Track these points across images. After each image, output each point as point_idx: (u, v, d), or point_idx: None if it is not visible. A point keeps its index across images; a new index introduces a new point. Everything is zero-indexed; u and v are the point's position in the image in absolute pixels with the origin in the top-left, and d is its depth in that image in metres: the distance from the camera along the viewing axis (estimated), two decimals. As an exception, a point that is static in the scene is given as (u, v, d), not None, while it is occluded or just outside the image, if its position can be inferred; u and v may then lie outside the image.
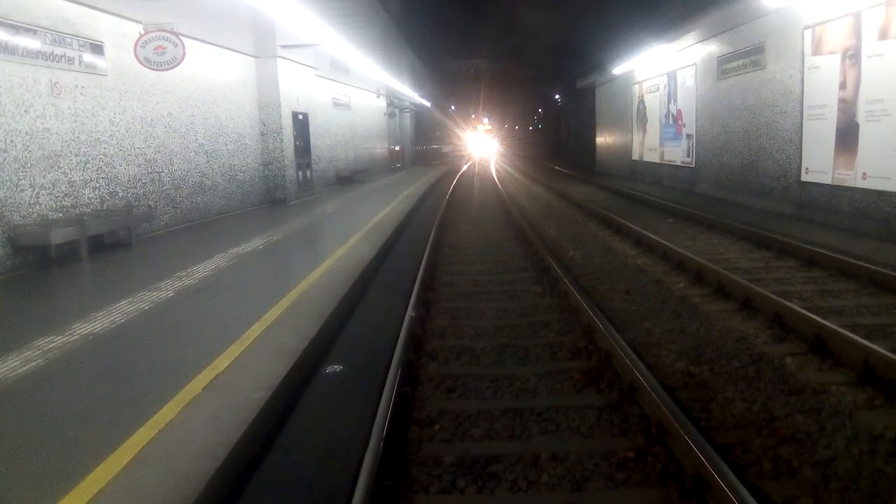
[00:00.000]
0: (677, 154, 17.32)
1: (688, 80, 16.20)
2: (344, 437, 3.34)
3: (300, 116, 15.51)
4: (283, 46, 14.02)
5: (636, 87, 21.17)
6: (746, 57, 12.64)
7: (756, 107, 12.31)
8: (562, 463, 3.12)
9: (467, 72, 54.43)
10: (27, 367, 4.03)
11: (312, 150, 16.44)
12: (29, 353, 4.28)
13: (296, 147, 15.11)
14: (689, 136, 16.32)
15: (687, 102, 16.36)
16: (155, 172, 10.18)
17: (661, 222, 11.48)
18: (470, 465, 3.12)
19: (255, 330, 4.68)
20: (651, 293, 6.49)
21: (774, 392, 3.91)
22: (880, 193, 8.70)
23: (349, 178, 19.81)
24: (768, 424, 3.47)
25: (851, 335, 4.38)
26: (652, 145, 19.78)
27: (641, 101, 20.74)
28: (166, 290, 6.08)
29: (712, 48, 14.46)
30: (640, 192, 16.11)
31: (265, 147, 14.29)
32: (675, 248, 8.07)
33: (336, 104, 19.85)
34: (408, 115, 35.16)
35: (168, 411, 3.26)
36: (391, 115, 29.63)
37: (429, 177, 24.90)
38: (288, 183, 14.57)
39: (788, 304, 5.30)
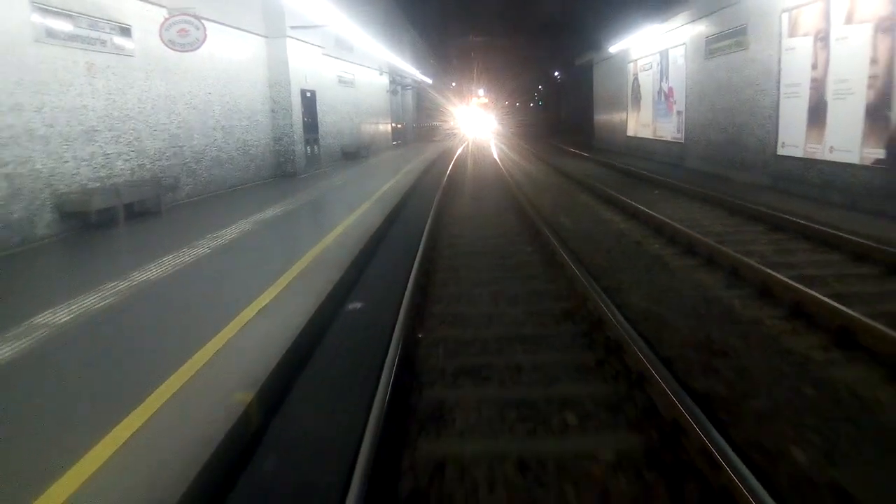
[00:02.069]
0: (668, 130, 18.07)
1: (678, 59, 16.90)
2: (365, 355, 4.19)
3: (308, 94, 16.23)
4: (293, 27, 14.69)
5: (631, 65, 21.82)
6: (731, 38, 13.36)
7: (739, 85, 13.07)
8: (539, 370, 4.00)
9: (468, 49, 54.72)
10: (105, 301, 4.91)
11: (319, 126, 17.20)
12: (103, 292, 5.16)
13: (304, 123, 15.86)
14: (679, 112, 17.07)
15: (678, 81, 17.07)
16: (177, 146, 10.98)
17: (649, 194, 12.30)
18: (467, 372, 4.00)
19: (287, 277, 5.55)
20: (629, 252, 7.37)
21: (718, 324, 4.79)
22: (844, 165, 9.52)
23: (354, 154, 20.58)
24: (705, 345, 4.35)
25: (792, 282, 5.25)
26: (645, 122, 20.51)
27: (636, 79, 21.41)
28: (203, 247, 6.95)
29: (701, 28, 15.15)
30: (632, 167, 16.89)
31: (275, 123, 15.06)
32: (657, 216, 8.91)
33: (341, 82, 20.53)
34: (409, 92, 35.72)
35: (227, 332, 4.14)
36: (393, 93, 30.24)
37: (430, 152, 25.65)
38: (297, 157, 15.36)
39: (746, 259, 6.17)
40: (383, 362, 3.75)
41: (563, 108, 44.59)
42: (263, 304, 4.73)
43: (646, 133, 20.56)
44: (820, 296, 4.83)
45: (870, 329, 4.13)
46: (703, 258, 6.82)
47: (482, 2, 43.43)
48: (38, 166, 7.70)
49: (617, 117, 24.52)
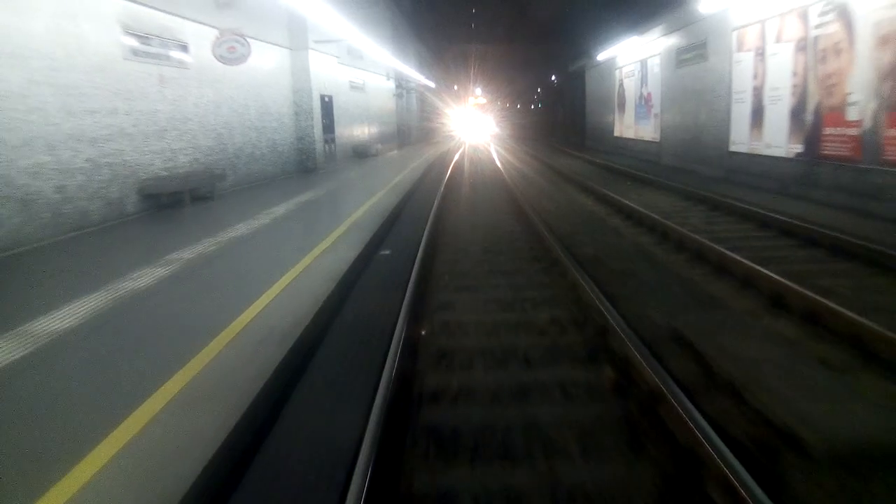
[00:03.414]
0: (647, 131, 20.15)
1: (655, 68, 18.97)
2: (399, 276, 6.24)
3: (326, 98, 18.32)
4: (316, 41, 16.78)
5: (617, 71, 23.90)
6: (695, 50, 15.44)
7: (701, 91, 15.14)
8: (511, 286, 6.05)
9: (469, 55, 56.84)
10: (210, 249, 6.98)
11: (335, 127, 19.28)
12: (205, 244, 7.23)
13: (322, 125, 17.94)
14: (656, 115, 19.14)
15: (655, 87, 19.15)
16: (223, 144, 13.06)
17: (622, 185, 14.36)
18: (463, 288, 6.06)
19: (334, 235, 7.62)
20: (594, 225, 9.44)
21: (641, 263, 6.86)
22: (776, 158, 11.59)
23: (364, 152, 22.66)
24: (628, 271, 6.41)
25: (701, 238, 7.31)
26: (629, 124, 22.59)
27: (621, 85, 23.49)
28: (264, 219, 9.03)
29: (672, 41, 17.23)
30: (614, 164, 18.95)
31: (298, 125, 17.14)
32: (622, 200, 10.96)
33: (353, 87, 22.61)
34: (413, 95, 37.79)
35: (301, 265, 6.21)
36: (399, 96, 32.32)
37: (433, 151, 27.75)
38: (317, 154, 17.44)
39: (676, 226, 8.22)
40: (409, 280, 5.81)
41: (560, 111, 46.63)
42: (324, 248, 6.81)
43: (629, 134, 22.64)
44: (707, 241, 6.93)
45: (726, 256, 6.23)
46: (648, 227, 8.90)
47: (482, 9, 45.59)
48: (128, 158, 9.78)
49: (606, 119, 26.59)
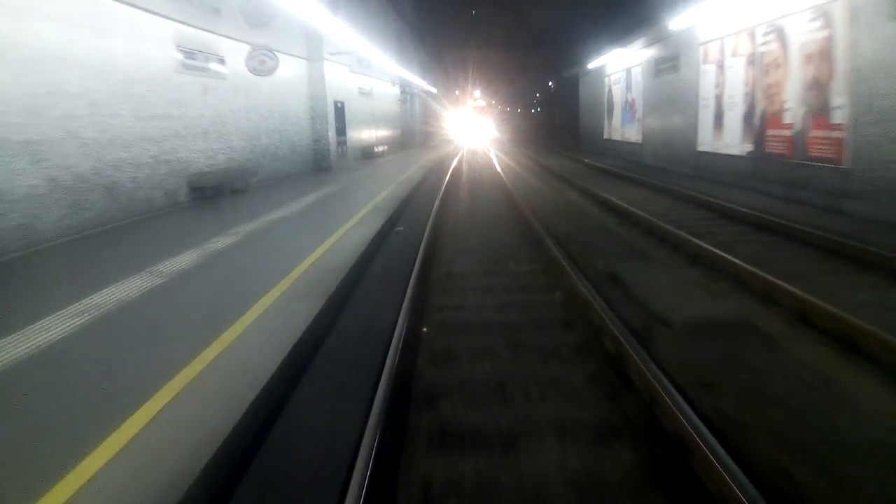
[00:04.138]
0: (632, 134, 22.00)
1: (638, 76, 20.83)
2: (412, 246, 8.06)
3: (338, 104, 20.17)
4: (331, 53, 18.66)
5: (606, 79, 25.76)
6: (670, 61, 17.29)
7: (675, 98, 16.99)
8: (498, 250, 7.88)
9: (470, 60, 58.80)
10: (261, 226, 8.81)
11: (346, 130, 21.14)
12: (255, 223, 9.06)
13: (335, 128, 19.79)
14: (639, 119, 20.99)
15: (638, 93, 21.01)
16: (252, 145, 14.90)
17: (604, 181, 16.18)
18: (462, 253, 7.88)
19: (357, 217, 9.45)
20: (572, 212, 11.26)
21: (602, 236, 8.69)
22: (733, 157, 13.42)
23: (371, 153, 24.52)
24: (591, 241, 8.24)
25: (655, 219, 9.13)
26: (617, 127, 24.44)
27: (610, 91, 25.35)
28: (295, 206, 10.86)
29: (652, 52, 19.08)
30: (601, 164, 20.77)
31: (314, 128, 18.99)
32: (600, 193, 12.78)
33: (361, 93, 24.47)
34: (416, 100, 39.68)
35: (337, 235, 8.03)
36: (403, 101, 34.21)
37: (436, 153, 29.61)
38: (331, 155, 19.29)
39: (639, 211, 10.04)
40: (419, 246, 7.63)
41: (557, 115, 48.53)
42: (351, 225, 8.65)
43: (617, 136, 24.49)
44: (659, 221, 8.76)
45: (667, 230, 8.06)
46: (616, 213, 10.73)
47: (482, 16, 47.53)
48: (180, 155, 11.63)
49: (597, 123, 28.43)
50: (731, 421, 3.30)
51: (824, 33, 9.81)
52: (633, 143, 22.11)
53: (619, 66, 23.54)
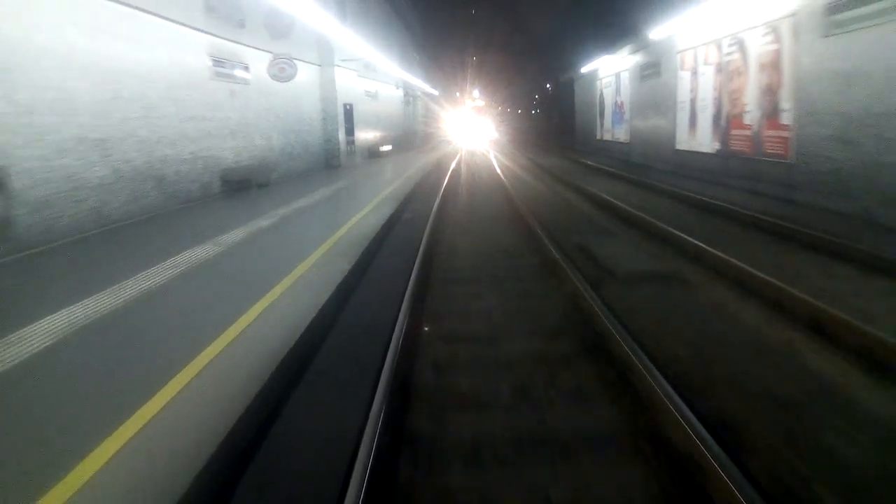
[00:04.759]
0: (621, 134, 23.54)
1: (626, 80, 22.37)
2: (419, 229, 9.60)
3: (347, 107, 21.72)
4: (342, 60, 20.22)
5: (598, 82, 27.30)
6: (653, 67, 18.83)
7: (657, 101, 18.53)
8: (491, 232, 9.43)
9: (470, 63, 60.38)
10: (290, 211, 10.36)
11: (354, 130, 22.70)
12: (285, 208, 10.61)
13: (345, 129, 21.34)
14: (626, 120, 22.53)
15: (626, 96, 22.55)
16: (271, 144, 16.45)
17: (592, 177, 17.72)
18: (462, 232, 9.43)
19: (370, 206, 10.99)
20: (558, 203, 12.81)
21: (579, 220, 10.23)
22: (704, 154, 14.96)
23: (377, 153, 26.06)
24: (568, 225, 9.78)
25: (627, 207, 10.67)
26: (608, 128, 25.97)
27: (601, 94, 26.88)
28: (315, 197, 12.41)
29: (637, 58, 20.63)
30: (592, 162, 22.31)
31: (325, 129, 20.55)
32: (584, 186, 14.33)
33: (367, 95, 26.02)
34: (419, 102, 41.23)
35: (355, 218, 9.58)
36: (406, 103, 35.76)
37: (438, 153, 31.15)
38: (341, 154, 20.84)
39: (614, 200, 11.58)
40: (426, 227, 9.17)
41: (555, 116, 50.08)
42: (366, 212, 10.20)
43: (608, 136, 26.03)
44: (629, 208, 10.30)
45: (627, 210, 9.61)
46: (596, 202, 12.28)
47: (481, 18, 49.12)
48: (213, 153, 13.18)
49: (590, 124, 29.95)
50: (643, 328, 4.85)
51: (775, 46, 11.35)
52: (622, 143, 23.64)
53: (609, 70, 25.08)
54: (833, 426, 3.34)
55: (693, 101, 15.62)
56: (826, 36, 9.70)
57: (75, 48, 8.71)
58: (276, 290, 5.34)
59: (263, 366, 3.78)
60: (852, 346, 4.34)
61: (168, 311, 4.95)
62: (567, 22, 34.38)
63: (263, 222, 9.22)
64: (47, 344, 4.23)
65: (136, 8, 10.21)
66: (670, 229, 8.29)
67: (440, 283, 6.35)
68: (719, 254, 6.69)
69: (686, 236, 7.73)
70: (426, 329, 4.94)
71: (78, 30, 8.78)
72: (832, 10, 9.51)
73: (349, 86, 21.93)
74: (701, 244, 7.21)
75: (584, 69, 28.61)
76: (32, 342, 4.26)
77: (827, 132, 9.79)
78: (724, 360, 4.25)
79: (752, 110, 12.45)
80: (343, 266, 6.25)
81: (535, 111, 71.83)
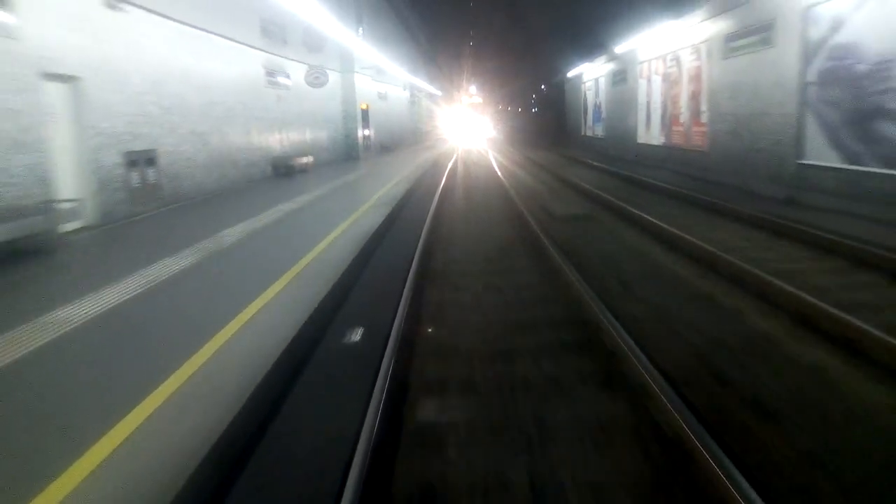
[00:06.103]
0: (599, 131, 27.22)
1: (603, 84, 26.04)
2: (419, 222, 13.25)
3: (363, 107, 25.40)
4: (361, 67, 23.93)
5: (583, 85, 30.97)
6: (621, 74, 22.51)
7: (625, 102, 22.20)
8: (486, 217, 13.12)
9: (467, 60, 64.00)
10: (333, 187, 14.06)
11: (370, 127, 26.41)
12: (330, 184, 14.30)
13: (361, 126, 25.03)
14: (604, 119, 26.21)
15: (603, 98, 26.22)
16: (304, 138, 20.14)
17: (570, 166, 21.39)
18: (463, 219, 13.11)
19: (390, 184, 14.67)
20: (541, 189, 16.50)
21: (550, 197, 13.93)
22: (656, 146, 18.64)
23: (388, 148, 29.75)
24: (540, 196, 13.47)
25: (590, 187, 14.36)
26: (590, 125, 29.65)
27: (585, 96, 30.55)
28: (349, 177, 16.09)
29: (610, 66, 24.30)
30: (576, 155, 25.94)
31: (346, 126, 24.24)
32: (562, 173, 17.99)
33: (379, 96, 29.70)
34: (423, 102, 44.90)
35: (381, 192, 13.26)
36: (412, 103, 39.43)
37: (442, 148, 34.83)
38: (359, 148, 24.53)
39: (580, 182, 15.27)
40: (426, 219, 12.84)
41: (548, 115, 53.71)
42: (388, 188, 13.89)
43: (590, 133, 29.70)
44: (589, 186, 14.01)
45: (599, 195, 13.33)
46: (566, 183, 15.98)
47: (479, 14, 52.73)
48: (267, 144, 16.88)
49: (577, 122, 33.62)
50: (563, 237, 8.55)
51: (697, 63, 15.04)
52: (601, 138, 27.32)
53: (591, 75, 28.74)
54: (629, 264, 7.03)
55: (648, 104, 19.29)
56: (725, 58, 13.39)
57: (188, 68, 12.42)
58: (351, 219, 9.00)
59: (350, 253, 7.48)
60: (684, 249, 8.02)
61: (287, 231, 8.66)
62: (558, 29, 38.05)
63: (319, 191, 12.93)
64: (216, 249, 7.94)
65: (223, 36, 13.93)
66: (605, 196, 11.97)
67: (449, 213, 10.06)
68: (629, 207, 10.38)
69: (612, 199, 11.41)
70: (443, 230, 8.63)
71: (190, 55, 12.49)
72: (728, 38, 13.20)
73: (365, 89, 25.60)
74: (620, 203, 10.90)
75: (571, 73, 32.26)
76: (208, 249, 7.97)
77: (725, 128, 13.48)
78: (597, 246, 7.95)
79: (684, 111, 16.14)
80: (384, 211, 9.94)
81: (534, 110, 75.44)
